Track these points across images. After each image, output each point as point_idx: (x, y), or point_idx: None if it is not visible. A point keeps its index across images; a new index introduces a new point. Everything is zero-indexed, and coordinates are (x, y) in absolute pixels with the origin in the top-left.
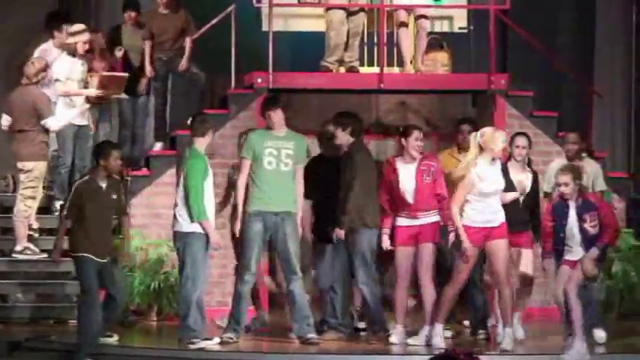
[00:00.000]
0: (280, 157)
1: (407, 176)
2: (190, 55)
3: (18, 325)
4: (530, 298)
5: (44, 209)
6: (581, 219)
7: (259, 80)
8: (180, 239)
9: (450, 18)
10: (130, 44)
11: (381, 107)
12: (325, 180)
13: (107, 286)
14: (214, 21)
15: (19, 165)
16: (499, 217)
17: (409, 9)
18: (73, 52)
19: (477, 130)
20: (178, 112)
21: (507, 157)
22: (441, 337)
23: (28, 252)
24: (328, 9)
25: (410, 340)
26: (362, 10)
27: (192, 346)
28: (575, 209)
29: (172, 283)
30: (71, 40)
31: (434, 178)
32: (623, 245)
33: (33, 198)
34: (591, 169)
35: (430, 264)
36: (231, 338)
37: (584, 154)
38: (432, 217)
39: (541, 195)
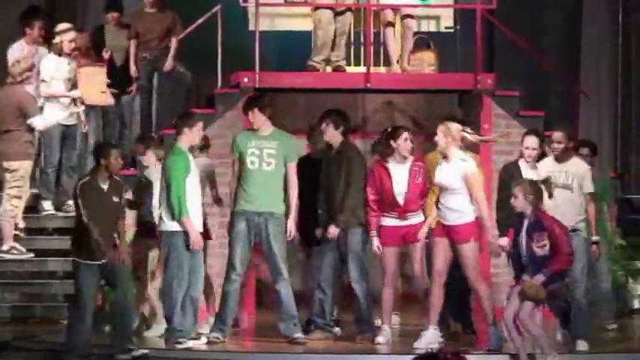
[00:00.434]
0: (262, 157)
1: (400, 177)
2: (176, 55)
3: (4, 325)
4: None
5: (31, 209)
6: (529, 237)
7: (246, 80)
8: (164, 239)
9: (436, 17)
10: (113, 44)
11: (367, 107)
12: (308, 182)
13: (111, 286)
14: (201, 20)
15: (5, 164)
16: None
17: (396, 9)
18: (59, 52)
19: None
20: (165, 112)
21: (519, 156)
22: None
23: (15, 252)
24: (315, 8)
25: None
26: (349, 9)
27: (179, 346)
28: (526, 226)
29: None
30: (57, 39)
31: (423, 180)
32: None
33: (19, 197)
34: (578, 170)
35: (424, 261)
36: (218, 338)
37: (573, 154)
38: (419, 217)
39: None
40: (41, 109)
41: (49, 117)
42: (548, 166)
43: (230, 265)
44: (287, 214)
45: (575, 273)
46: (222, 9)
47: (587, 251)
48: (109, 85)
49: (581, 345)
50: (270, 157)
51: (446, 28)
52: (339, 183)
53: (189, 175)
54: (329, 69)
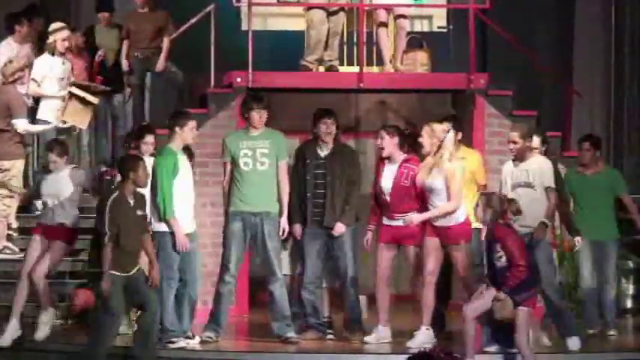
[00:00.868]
0: (256, 157)
1: (387, 176)
2: (167, 55)
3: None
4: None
5: (24, 209)
6: (489, 248)
7: (238, 79)
8: (155, 239)
9: (429, 17)
10: (103, 44)
11: (360, 106)
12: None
13: (134, 297)
14: (194, 20)
15: None
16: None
17: (388, 8)
18: (52, 51)
19: (459, 128)
20: (157, 112)
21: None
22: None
23: (8, 251)
24: (309, 8)
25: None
26: (342, 9)
27: (171, 346)
28: (486, 237)
29: None
30: (50, 38)
31: (412, 181)
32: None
33: (11, 197)
34: (538, 167)
35: (415, 265)
36: (211, 337)
37: (533, 152)
38: None
39: None
40: (32, 109)
41: (33, 127)
42: (509, 167)
43: (224, 266)
44: (280, 213)
45: (542, 274)
46: (215, 8)
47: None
48: (101, 83)
49: (571, 344)
50: (263, 156)
51: (439, 27)
52: (340, 182)
53: (180, 175)
54: (322, 69)
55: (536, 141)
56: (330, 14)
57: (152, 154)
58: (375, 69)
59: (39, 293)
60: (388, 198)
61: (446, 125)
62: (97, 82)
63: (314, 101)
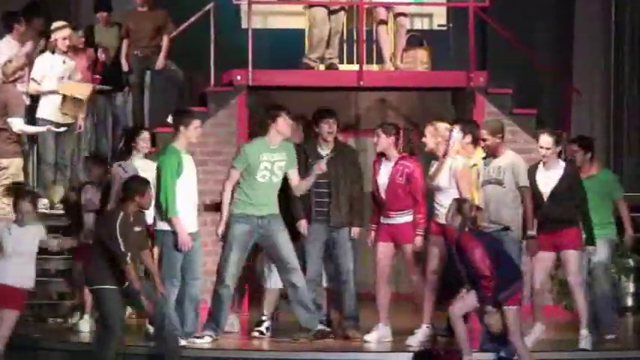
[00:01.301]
0: (273, 171)
1: (383, 174)
2: (167, 53)
3: None
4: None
5: None
6: (459, 255)
7: (238, 78)
8: (158, 238)
9: (429, 15)
10: (102, 44)
11: (360, 105)
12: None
13: (138, 301)
14: (193, 18)
15: None
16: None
17: (388, 6)
18: (53, 49)
19: (472, 131)
20: (157, 110)
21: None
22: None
23: None
24: (310, 6)
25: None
26: (342, 8)
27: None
28: (455, 243)
29: None
30: (52, 36)
31: (407, 179)
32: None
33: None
34: (510, 163)
35: (414, 264)
36: (211, 336)
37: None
38: (406, 218)
39: None
40: (30, 109)
41: (29, 127)
42: (483, 164)
43: (224, 268)
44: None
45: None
46: (214, 7)
47: (519, 249)
48: (100, 83)
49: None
50: (279, 169)
51: (439, 25)
52: (344, 181)
53: (183, 175)
54: (322, 67)
55: (547, 141)
56: (331, 13)
57: (146, 155)
58: (375, 67)
59: None
60: (384, 195)
61: (449, 125)
62: (95, 81)
63: (314, 99)
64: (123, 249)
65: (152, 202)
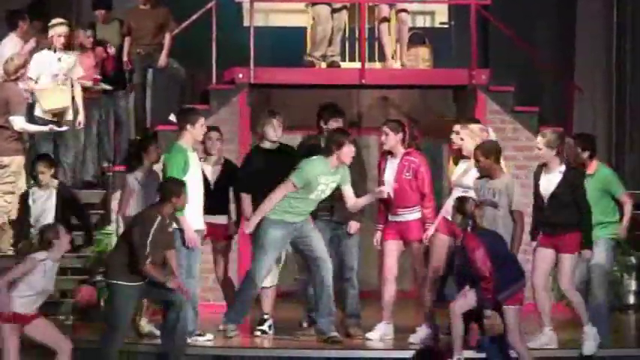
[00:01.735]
0: (326, 192)
1: (390, 171)
2: (169, 51)
3: None
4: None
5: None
6: (462, 253)
7: (240, 75)
8: None
9: (431, 13)
10: (102, 41)
11: (362, 102)
12: (264, 172)
13: (157, 297)
14: (195, 16)
15: None
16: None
17: (391, 3)
18: (49, 47)
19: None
20: (159, 108)
21: None
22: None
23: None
24: (313, 4)
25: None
26: (344, 6)
27: None
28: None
29: None
30: (49, 33)
31: (414, 175)
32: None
33: (12, 193)
34: (501, 184)
35: (421, 261)
36: (234, 331)
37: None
38: (414, 215)
39: None
40: (31, 106)
41: (30, 126)
42: (477, 183)
43: (257, 270)
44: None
45: None
46: (216, 5)
47: None
48: (102, 81)
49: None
50: (331, 189)
51: (440, 23)
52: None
53: (190, 173)
54: (324, 65)
55: (537, 140)
56: (333, 10)
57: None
58: (377, 65)
59: None
60: (391, 193)
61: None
62: (95, 82)
63: (315, 97)
64: (147, 253)
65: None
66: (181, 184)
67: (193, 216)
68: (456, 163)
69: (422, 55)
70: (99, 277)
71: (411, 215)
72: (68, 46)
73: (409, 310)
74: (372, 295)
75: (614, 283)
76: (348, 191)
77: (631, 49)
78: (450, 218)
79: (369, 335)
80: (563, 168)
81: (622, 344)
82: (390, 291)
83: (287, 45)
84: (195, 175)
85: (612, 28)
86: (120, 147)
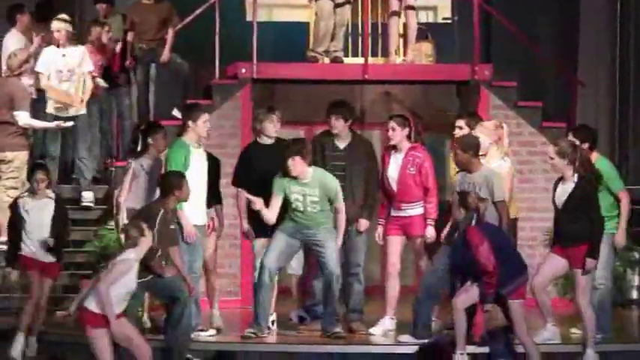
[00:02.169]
0: (306, 203)
1: (393, 166)
2: (172, 46)
3: (3, 316)
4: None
5: None
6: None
7: (243, 70)
8: None
9: (434, 8)
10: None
11: (365, 98)
12: (260, 167)
13: (162, 293)
14: (198, 11)
15: (0, 156)
16: None
17: None
18: (48, 42)
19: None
20: (162, 103)
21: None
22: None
23: None
24: None
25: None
26: (348, 1)
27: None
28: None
29: None
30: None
31: (418, 170)
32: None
33: (15, 188)
34: (480, 177)
35: (423, 256)
36: (254, 334)
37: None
38: (417, 210)
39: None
40: (37, 101)
41: (35, 121)
42: (459, 178)
43: (267, 251)
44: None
45: None
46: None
47: None
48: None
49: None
50: (313, 203)
51: (443, 19)
52: (359, 174)
53: (191, 168)
54: (327, 60)
55: (548, 150)
56: (336, 6)
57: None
58: (380, 60)
59: None
60: (395, 187)
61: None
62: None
63: (318, 92)
64: (155, 246)
65: (189, 195)
66: (181, 176)
67: (195, 211)
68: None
69: (425, 51)
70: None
71: (414, 210)
72: (74, 41)
73: (412, 305)
74: (375, 290)
75: (616, 279)
76: (338, 209)
77: (634, 44)
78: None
79: (372, 330)
80: (576, 178)
81: (625, 339)
82: (393, 286)
83: (290, 40)
84: (198, 171)
85: (616, 23)
86: (122, 143)
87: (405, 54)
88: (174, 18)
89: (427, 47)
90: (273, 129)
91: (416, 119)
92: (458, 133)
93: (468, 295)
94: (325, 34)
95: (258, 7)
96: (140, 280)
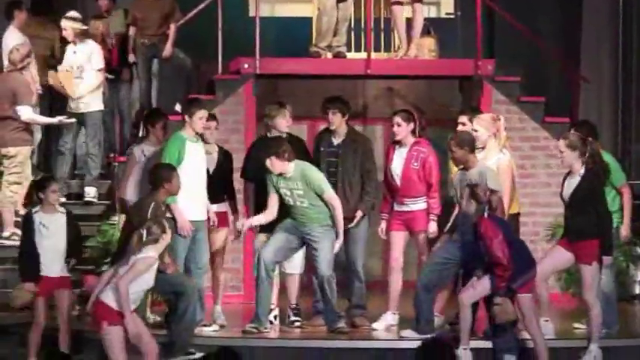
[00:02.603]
0: (294, 197)
1: (397, 160)
2: (174, 41)
3: (7, 311)
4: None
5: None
6: (476, 241)
7: (246, 66)
8: None
9: (437, 3)
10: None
11: (368, 93)
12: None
13: (165, 289)
14: (201, 6)
15: (3, 151)
16: None
17: None
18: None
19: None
20: (165, 98)
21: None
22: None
23: (16, 237)
24: None
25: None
26: None
27: None
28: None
29: None
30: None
31: (422, 164)
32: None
33: (18, 183)
34: (474, 173)
35: (426, 251)
36: (255, 329)
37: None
38: (420, 205)
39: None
40: (40, 96)
41: (39, 117)
42: (457, 175)
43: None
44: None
45: None
46: None
47: None
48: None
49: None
50: (300, 197)
51: (446, 14)
52: (354, 171)
53: (186, 162)
54: (329, 55)
55: (558, 145)
56: (339, 1)
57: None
58: (382, 55)
59: None
60: (398, 182)
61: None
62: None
63: (321, 88)
64: (154, 231)
65: (180, 187)
66: (171, 169)
67: (192, 206)
68: None
69: (428, 46)
70: (105, 268)
71: (417, 205)
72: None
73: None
74: (377, 285)
75: (619, 274)
76: (326, 199)
77: (637, 40)
78: None
79: (374, 325)
80: (583, 171)
81: (628, 334)
82: (396, 281)
83: (293, 35)
84: (194, 164)
85: (618, 18)
86: (123, 138)
87: (412, 49)
88: (177, 13)
89: (430, 42)
90: (285, 124)
91: (419, 114)
92: (461, 129)
93: (475, 291)
94: (328, 29)
95: (261, 2)
96: None
